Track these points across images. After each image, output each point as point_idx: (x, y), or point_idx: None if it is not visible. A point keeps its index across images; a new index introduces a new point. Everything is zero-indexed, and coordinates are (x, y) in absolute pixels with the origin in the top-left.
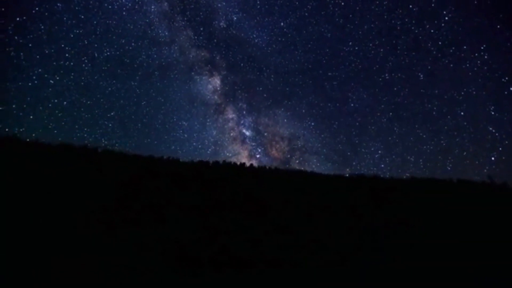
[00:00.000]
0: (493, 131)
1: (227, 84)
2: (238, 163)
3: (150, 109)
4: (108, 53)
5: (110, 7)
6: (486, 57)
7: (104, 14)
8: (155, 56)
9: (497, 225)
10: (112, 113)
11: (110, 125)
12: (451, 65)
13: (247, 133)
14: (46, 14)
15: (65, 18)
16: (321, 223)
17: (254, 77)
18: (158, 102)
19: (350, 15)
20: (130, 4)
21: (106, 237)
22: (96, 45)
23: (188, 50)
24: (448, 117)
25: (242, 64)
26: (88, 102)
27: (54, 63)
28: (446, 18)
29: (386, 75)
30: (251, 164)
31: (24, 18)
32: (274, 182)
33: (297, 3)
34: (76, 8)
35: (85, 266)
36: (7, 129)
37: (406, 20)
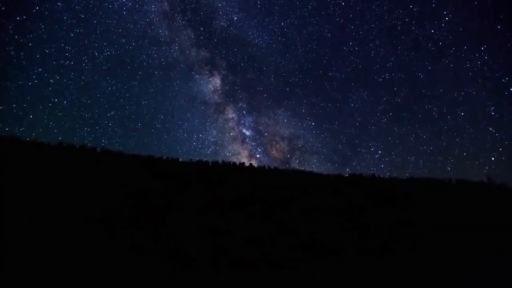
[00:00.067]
0: (493, 131)
1: (227, 84)
2: (238, 163)
3: (150, 109)
4: (108, 53)
5: (110, 6)
6: (486, 57)
7: (104, 14)
8: (155, 55)
9: (496, 225)
10: (112, 113)
11: (110, 124)
12: (451, 65)
13: (247, 133)
14: (46, 13)
15: (65, 18)
16: (321, 223)
17: (254, 77)
18: (158, 102)
19: (350, 15)
20: (130, 4)
21: (106, 237)
22: (96, 45)
23: (188, 50)
24: (448, 117)
25: (242, 64)
26: (88, 102)
27: (54, 63)
28: (446, 18)
29: (386, 75)
30: (251, 164)
31: (24, 17)
32: (274, 182)
33: (297, 3)
34: (76, 7)
35: (85, 266)
36: (7, 129)
37: (406, 20)
